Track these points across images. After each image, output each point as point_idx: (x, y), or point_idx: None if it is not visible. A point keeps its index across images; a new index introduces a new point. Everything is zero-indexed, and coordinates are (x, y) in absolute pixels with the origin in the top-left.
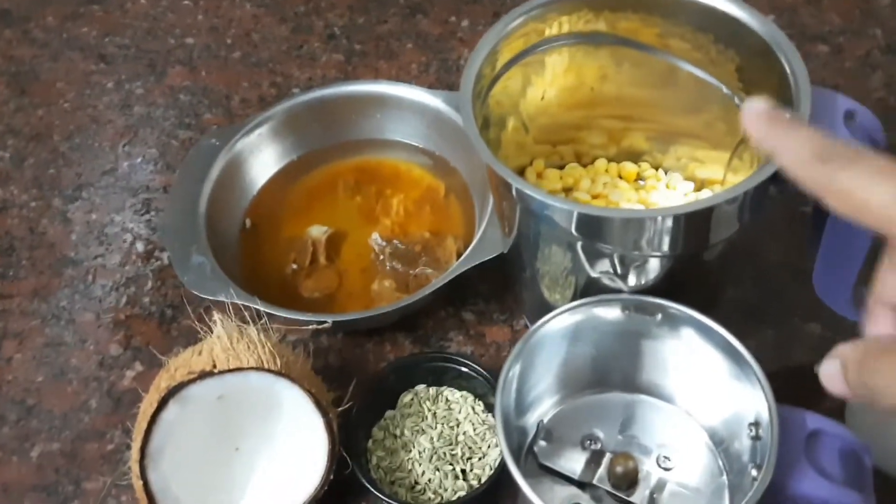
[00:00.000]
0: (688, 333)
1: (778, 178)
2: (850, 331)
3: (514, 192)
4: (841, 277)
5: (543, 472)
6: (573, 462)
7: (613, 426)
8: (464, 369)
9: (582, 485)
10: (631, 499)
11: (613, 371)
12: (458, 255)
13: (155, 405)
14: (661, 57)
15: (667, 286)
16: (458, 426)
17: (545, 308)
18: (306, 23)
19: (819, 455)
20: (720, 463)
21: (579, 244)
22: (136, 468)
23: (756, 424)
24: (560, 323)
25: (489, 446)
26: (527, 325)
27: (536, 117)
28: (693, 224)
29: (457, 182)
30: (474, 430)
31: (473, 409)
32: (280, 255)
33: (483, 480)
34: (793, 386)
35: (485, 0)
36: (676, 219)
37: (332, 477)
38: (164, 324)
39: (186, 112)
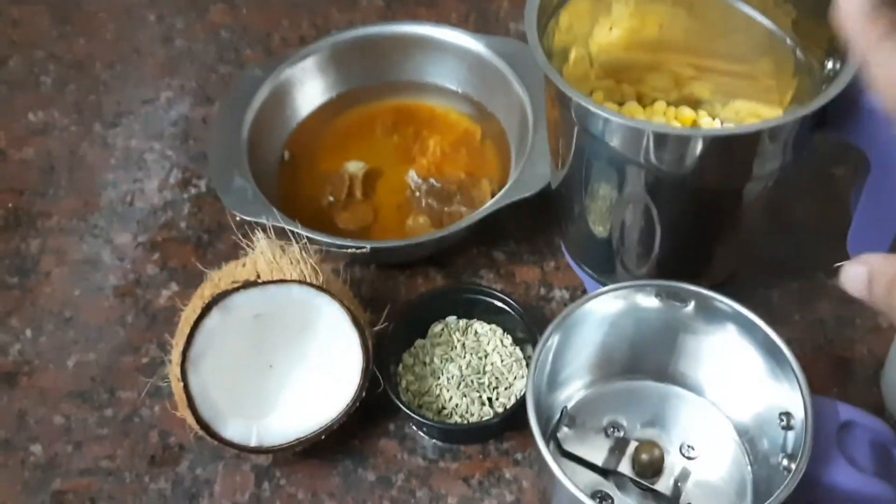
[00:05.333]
0: (723, 323)
1: (823, 122)
2: None
3: (572, 110)
4: (875, 246)
5: (566, 457)
6: (597, 449)
7: (637, 415)
8: (495, 302)
9: (605, 472)
10: (655, 487)
11: (646, 360)
12: (493, 198)
13: (198, 311)
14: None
15: (705, 223)
16: (486, 357)
17: (588, 236)
18: None
19: (850, 446)
20: (745, 453)
21: (629, 163)
22: (176, 371)
23: (788, 414)
24: (597, 305)
25: (515, 377)
26: (557, 266)
27: (601, 53)
28: (739, 149)
29: (494, 127)
30: (502, 361)
31: (502, 342)
32: (317, 188)
33: (508, 408)
34: (812, 335)
35: None
36: (724, 140)
37: (364, 394)
38: (200, 248)
39: (227, 48)
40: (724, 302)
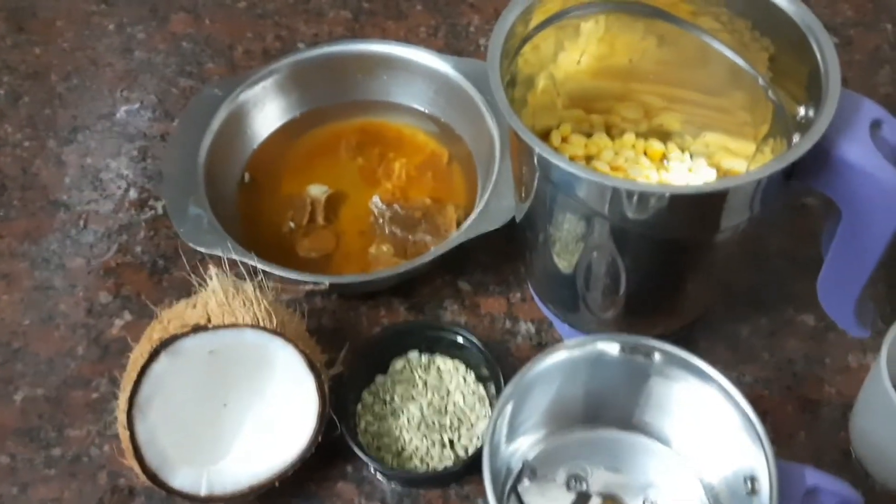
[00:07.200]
0: (687, 378)
1: (793, 173)
2: None
3: (534, 158)
4: (845, 292)
5: None
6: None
7: (601, 464)
8: (458, 339)
9: None
10: None
11: (607, 408)
12: (458, 224)
13: (146, 356)
14: (695, 33)
15: (672, 271)
16: (448, 395)
17: (553, 274)
18: None
19: None
20: None
21: (594, 215)
22: (122, 418)
23: (753, 479)
24: (555, 359)
25: (478, 417)
26: (523, 297)
27: (568, 81)
28: (707, 205)
29: (461, 150)
30: (464, 400)
31: (465, 379)
32: (278, 213)
33: (470, 451)
34: (780, 375)
35: None
36: (690, 198)
37: (320, 439)
38: (156, 274)
39: (188, 60)
40: (690, 360)
